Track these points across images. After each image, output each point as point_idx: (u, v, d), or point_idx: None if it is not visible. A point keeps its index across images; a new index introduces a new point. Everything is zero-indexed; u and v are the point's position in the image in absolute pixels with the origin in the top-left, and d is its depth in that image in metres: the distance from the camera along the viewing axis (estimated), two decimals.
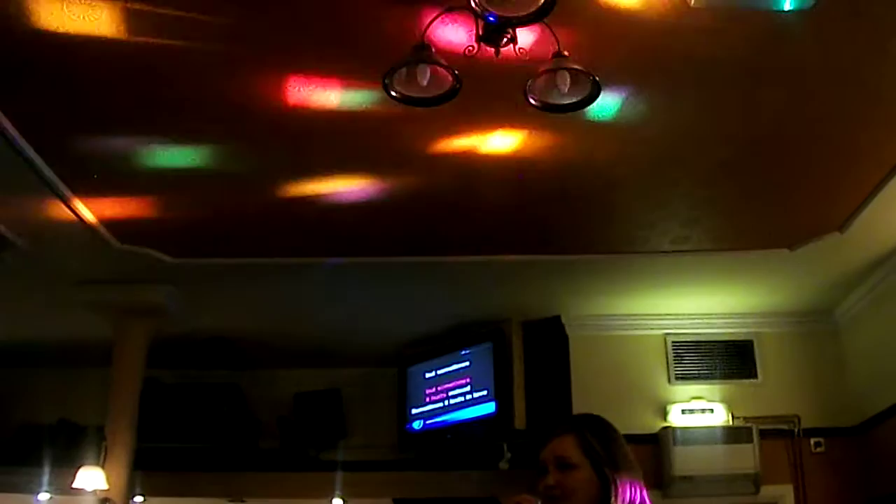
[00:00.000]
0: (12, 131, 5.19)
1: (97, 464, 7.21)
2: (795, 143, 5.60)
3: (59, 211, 6.20)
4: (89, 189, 6.04)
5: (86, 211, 6.28)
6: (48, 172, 5.69)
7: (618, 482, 2.57)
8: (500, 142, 5.51)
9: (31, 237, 6.68)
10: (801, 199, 6.43)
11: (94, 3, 4.17)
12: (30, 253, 6.82)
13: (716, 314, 8.57)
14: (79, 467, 7.20)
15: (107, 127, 5.31)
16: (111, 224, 6.56)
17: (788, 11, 4.25)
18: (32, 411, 9.25)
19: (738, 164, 5.85)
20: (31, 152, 5.43)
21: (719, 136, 5.50)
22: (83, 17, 4.25)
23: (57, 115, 5.13)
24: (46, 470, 8.30)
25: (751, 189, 6.26)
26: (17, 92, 4.88)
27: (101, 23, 4.30)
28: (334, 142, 5.51)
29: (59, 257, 6.99)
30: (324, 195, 6.19)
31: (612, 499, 2.55)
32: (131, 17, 4.29)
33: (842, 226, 6.77)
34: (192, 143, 5.57)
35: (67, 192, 6.00)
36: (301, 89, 4.92)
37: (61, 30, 4.32)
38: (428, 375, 9.04)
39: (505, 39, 4.09)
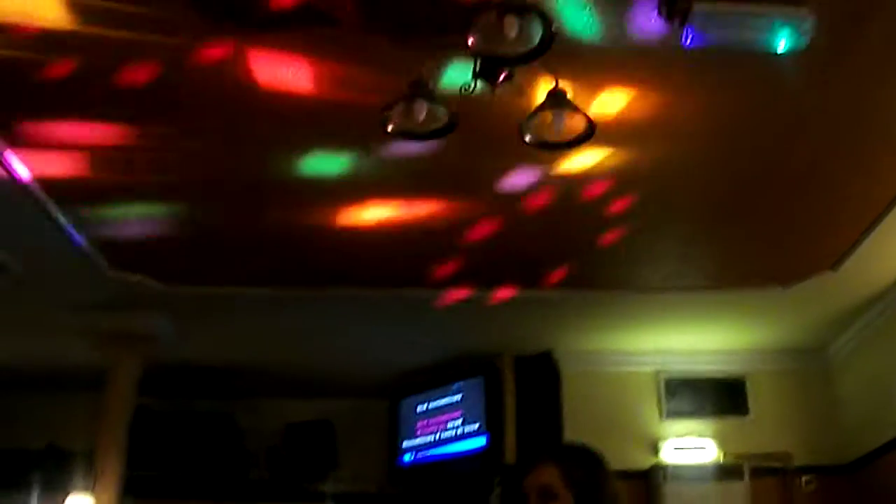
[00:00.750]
0: (6, 153, 5.19)
1: (86, 490, 7.17)
2: (789, 181, 5.62)
3: (52, 235, 6.18)
4: (81, 214, 6.03)
5: (77, 236, 6.26)
6: (41, 195, 5.67)
7: None
8: (493, 177, 5.51)
9: (24, 261, 6.66)
10: (794, 238, 6.45)
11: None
12: (22, 277, 6.80)
13: (708, 351, 8.56)
14: (68, 493, 7.17)
15: (100, 152, 5.30)
16: (104, 249, 6.55)
17: (782, 53, 4.26)
18: (20, 436, 9.19)
19: (732, 202, 5.88)
20: (25, 176, 5.42)
21: (712, 175, 5.52)
22: None
23: (51, 138, 5.13)
24: (35, 495, 8.27)
25: (744, 227, 6.28)
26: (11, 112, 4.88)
27: None
28: (324, 176, 5.53)
29: (51, 282, 6.96)
30: (319, 227, 6.20)
31: None
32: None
33: (835, 264, 6.79)
34: (186, 170, 5.56)
35: (60, 217, 5.98)
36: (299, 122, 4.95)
37: None
38: (420, 408, 9.03)
39: (501, 77, 4.11)
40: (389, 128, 4.26)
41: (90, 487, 7.22)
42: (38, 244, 6.34)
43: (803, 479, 8.26)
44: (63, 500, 7.17)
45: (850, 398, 8.31)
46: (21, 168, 5.33)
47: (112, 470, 7.33)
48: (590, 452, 2.72)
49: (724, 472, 8.03)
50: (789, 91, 4.65)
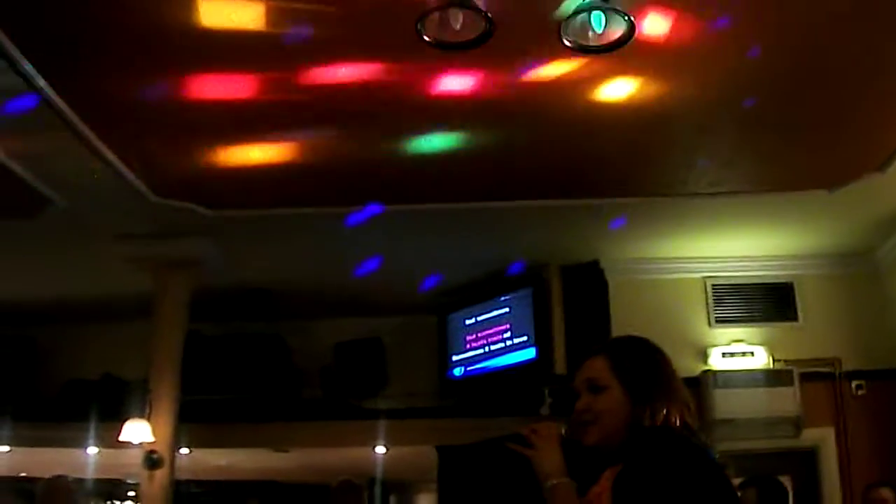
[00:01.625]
0: (47, 88, 5.21)
1: (143, 417, 7.29)
2: (834, 82, 5.53)
3: (95, 166, 6.22)
4: (125, 143, 6.05)
5: (122, 165, 6.30)
6: (83, 128, 5.70)
7: (650, 402, 2.46)
8: (534, 85, 5.45)
9: (69, 194, 6.72)
10: (840, 140, 6.36)
11: None
12: (68, 210, 6.88)
13: (755, 257, 8.51)
14: (125, 421, 7.29)
15: (142, 80, 5.30)
16: (148, 178, 6.59)
17: None
18: (77, 367, 9.37)
19: (776, 105, 5.79)
20: (65, 108, 5.44)
21: (757, 77, 5.43)
22: None
23: (93, 68, 5.14)
24: (93, 424, 8.42)
25: (789, 130, 6.20)
26: (52, 43, 4.88)
27: None
28: (368, 92, 5.49)
29: (98, 213, 7.04)
30: (359, 145, 6.19)
31: (645, 420, 2.44)
32: None
33: (882, 166, 6.69)
34: (229, 95, 5.56)
35: (103, 147, 6.01)
36: (336, 43, 4.93)
37: None
38: (468, 322, 9.07)
39: None
40: (426, 38, 4.22)
41: (146, 414, 7.34)
42: (82, 175, 6.39)
43: (853, 383, 8.23)
44: (121, 428, 7.27)
45: None
46: (59, 99, 5.35)
47: (167, 396, 7.48)
48: (641, 342, 2.65)
49: (774, 377, 8.02)
50: None
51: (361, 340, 9.42)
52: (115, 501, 11.81)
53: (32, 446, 9.12)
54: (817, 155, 6.62)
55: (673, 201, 7.27)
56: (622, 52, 4.51)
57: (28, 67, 5.00)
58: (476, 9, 4.05)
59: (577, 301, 8.55)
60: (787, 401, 7.92)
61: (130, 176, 6.47)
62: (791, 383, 7.97)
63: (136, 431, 7.23)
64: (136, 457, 7.34)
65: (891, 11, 4.78)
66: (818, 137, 6.31)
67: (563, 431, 2.62)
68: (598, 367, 2.57)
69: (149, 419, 7.31)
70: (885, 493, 6.46)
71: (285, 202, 7.10)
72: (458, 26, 4.11)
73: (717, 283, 8.58)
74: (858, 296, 8.54)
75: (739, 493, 4.86)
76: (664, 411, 2.45)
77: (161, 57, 5.02)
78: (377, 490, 11.33)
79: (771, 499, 5.71)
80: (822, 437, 8.14)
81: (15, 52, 4.85)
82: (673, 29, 4.87)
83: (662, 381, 2.52)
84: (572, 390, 2.62)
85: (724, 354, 8.24)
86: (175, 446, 7.56)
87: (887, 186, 6.96)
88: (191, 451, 8.70)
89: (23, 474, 9.91)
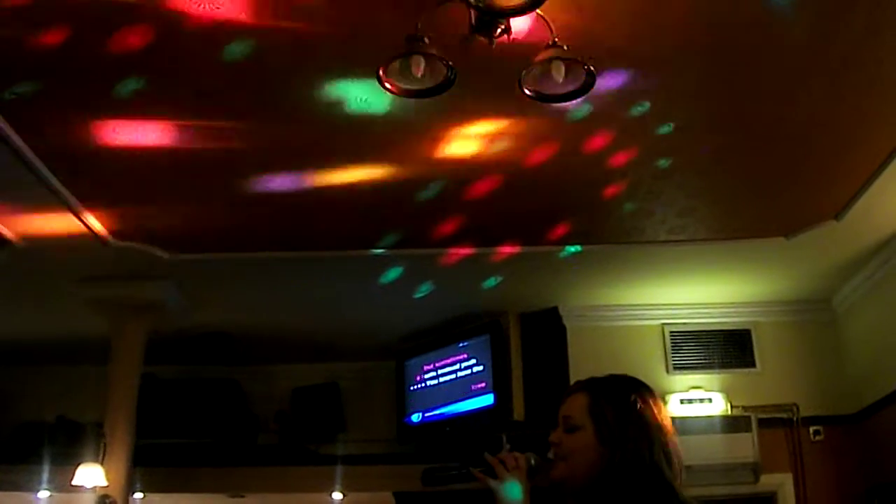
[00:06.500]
0: (6, 128, 5.17)
1: (96, 461, 7.20)
2: (791, 131, 5.58)
3: (55, 208, 6.17)
4: (84, 186, 6.01)
5: (81, 207, 6.25)
6: (43, 170, 5.66)
7: (620, 447, 2.43)
8: (494, 132, 5.48)
9: (28, 235, 6.66)
10: (796, 188, 6.40)
11: None
12: (26, 251, 6.81)
13: (713, 303, 8.56)
14: (78, 464, 7.19)
15: (101, 122, 5.27)
16: (107, 221, 6.54)
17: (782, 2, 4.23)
18: (31, 409, 9.27)
19: (734, 152, 5.84)
20: (26, 150, 5.40)
21: (714, 125, 5.49)
22: None
23: (51, 110, 5.10)
24: (46, 467, 8.30)
25: (746, 178, 6.25)
26: (9, 86, 4.85)
27: None
28: (329, 136, 5.49)
29: (56, 255, 6.96)
30: (320, 189, 6.18)
31: (613, 469, 2.41)
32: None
33: (838, 214, 6.76)
34: (188, 139, 5.54)
35: (63, 190, 5.96)
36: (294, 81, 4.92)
37: None
38: (426, 368, 9.05)
39: (499, 30, 4.08)
40: (387, 86, 4.22)
41: (100, 458, 7.25)
42: (39, 216, 6.34)
43: (811, 429, 8.27)
44: (73, 472, 7.18)
45: (855, 348, 8.31)
46: (16, 137, 5.31)
47: (122, 439, 7.38)
48: (622, 383, 2.62)
49: (732, 423, 8.04)
50: (791, 36, 4.62)
51: (319, 385, 9.41)
52: None
53: None
54: (775, 203, 6.67)
55: (631, 249, 7.30)
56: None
57: None
58: (437, 56, 4.06)
59: (535, 348, 8.55)
60: (745, 447, 7.93)
61: (90, 218, 6.42)
62: (749, 429, 7.99)
63: (90, 475, 7.11)
64: (89, 501, 7.21)
65: (849, 61, 4.84)
66: (776, 185, 6.36)
67: (532, 462, 2.60)
68: (576, 406, 2.56)
69: (102, 463, 7.20)
70: None
71: (244, 247, 7.08)
72: (419, 73, 4.11)
73: (674, 330, 8.61)
74: (815, 342, 8.60)
75: None
76: (634, 453, 2.42)
77: (119, 101, 4.98)
78: None
79: None
80: (781, 483, 8.14)
81: None
82: (629, 78, 4.92)
83: (635, 425, 2.48)
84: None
85: (681, 401, 8.24)
86: (129, 491, 7.46)
87: (843, 235, 7.04)
88: (145, 496, 8.59)
89: None
